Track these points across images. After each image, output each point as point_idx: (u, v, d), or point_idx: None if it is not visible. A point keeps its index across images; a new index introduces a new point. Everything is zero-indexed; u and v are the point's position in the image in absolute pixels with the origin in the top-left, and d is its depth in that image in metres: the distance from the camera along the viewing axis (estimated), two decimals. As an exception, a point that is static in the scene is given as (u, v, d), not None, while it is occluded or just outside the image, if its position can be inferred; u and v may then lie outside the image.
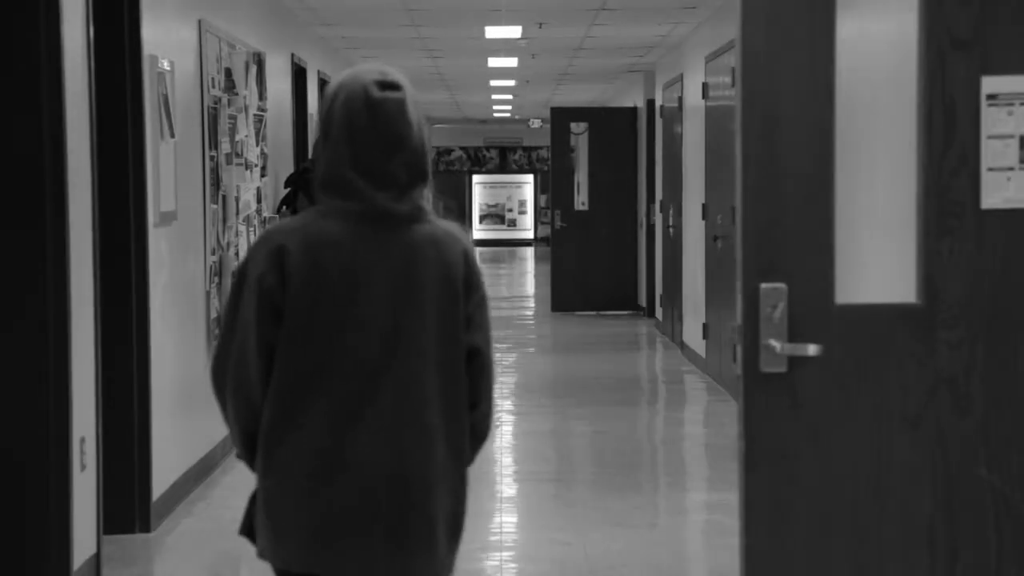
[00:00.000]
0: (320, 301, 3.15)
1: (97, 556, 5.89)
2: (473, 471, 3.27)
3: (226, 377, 3.20)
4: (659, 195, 15.64)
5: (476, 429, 3.30)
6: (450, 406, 3.21)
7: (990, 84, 3.50)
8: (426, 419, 3.17)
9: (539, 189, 34.78)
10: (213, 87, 8.20)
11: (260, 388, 3.17)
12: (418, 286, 3.19)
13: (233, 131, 8.70)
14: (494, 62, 16.38)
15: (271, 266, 3.15)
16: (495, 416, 3.45)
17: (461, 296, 3.23)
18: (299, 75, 11.94)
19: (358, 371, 3.15)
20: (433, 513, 3.19)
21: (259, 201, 9.63)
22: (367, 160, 3.19)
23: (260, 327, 3.15)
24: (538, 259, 29.43)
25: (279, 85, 10.77)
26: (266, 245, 3.18)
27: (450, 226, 3.30)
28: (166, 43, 7.20)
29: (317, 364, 3.15)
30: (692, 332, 12.87)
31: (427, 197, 3.31)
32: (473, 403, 3.27)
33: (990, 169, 3.51)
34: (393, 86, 3.23)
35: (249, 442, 3.23)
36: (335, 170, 3.21)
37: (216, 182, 8.22)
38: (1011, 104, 3.50)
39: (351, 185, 3.19)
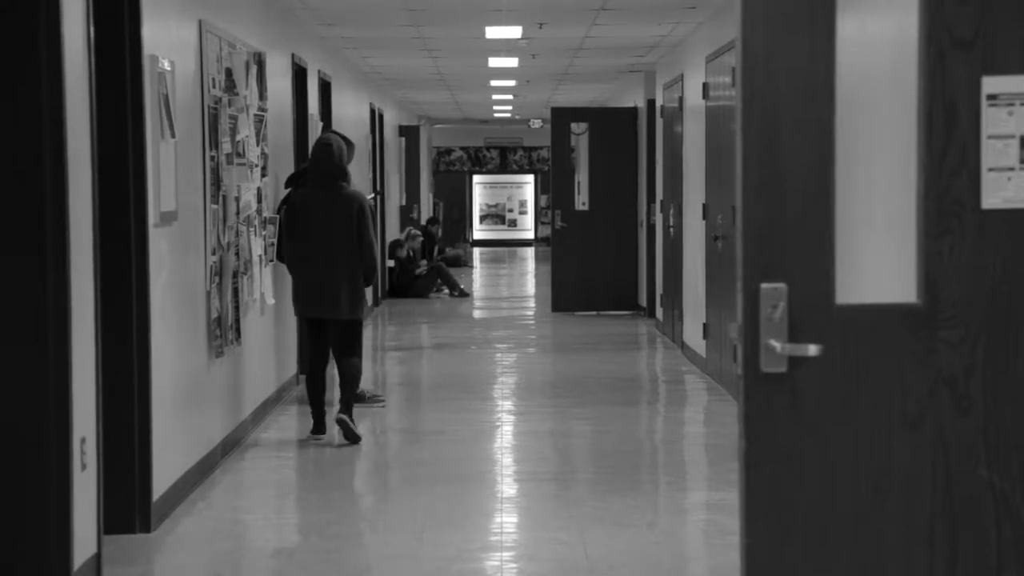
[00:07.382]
0: (300, 221, 8.98)
1: (97, 556, 5.89)
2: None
3: (281, 251, 9.27)
4: (659, 195, 15.63)
5: (365, 267, 8.97)
6: (350, 258, 8.90)
7: (990, 84, 3.50)
8: (340, 264, 8.89)
9: (539, 189, 34.79)
10: (213, 87, 8.20)
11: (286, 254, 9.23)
12: (337, 213, 8.90)
13: (234, 131, 8.70)
14: (494, 62, 16.38)
15: (284, 209, 9.22)
16: (375, 277, 9.23)
17: (355, 217, 8.89)
18: (299, 75, 11.94)
19: (315, 247, 8.93)
20: (341, 295, 8.90)
21: (259, 201, 9.63)
22: (313, 168, 9.09)
23: (284, 234, 9.15)
24: (538, 259, 29.43)
25: (279, 85, 10.78)
26: (285, 202, 9.23)
27: (356, 190, 9.14)
28: (166, 43, 7.20)
29: (301, 244, 9.00)
30: (692, 332, 12.87)
31: (349, 181, 9.13)
32: (360, 258, 8.93)
33: (990, 169, 3.51)
34: (327, 141, 9.15)
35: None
36: (306, 171, 9.29)
37: (217, 182, 8.22)
38: (1011, 104, 3.50)
39: (309, 176, 9.13)
